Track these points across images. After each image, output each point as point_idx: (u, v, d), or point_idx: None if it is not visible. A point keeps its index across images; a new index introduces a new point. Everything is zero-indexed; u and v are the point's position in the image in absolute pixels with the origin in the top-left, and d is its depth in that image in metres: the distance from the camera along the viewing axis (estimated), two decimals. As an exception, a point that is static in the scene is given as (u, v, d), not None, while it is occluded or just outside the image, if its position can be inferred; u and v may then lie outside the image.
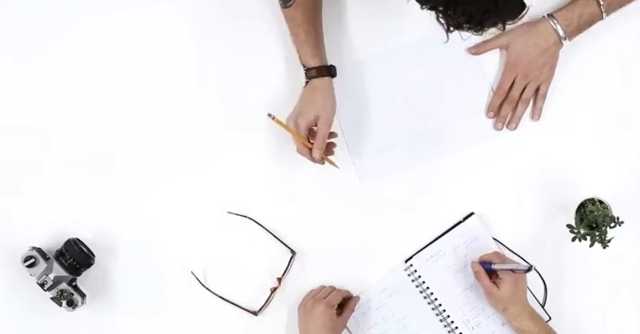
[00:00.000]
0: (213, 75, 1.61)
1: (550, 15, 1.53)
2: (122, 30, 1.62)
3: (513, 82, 1.57)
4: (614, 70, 1.60)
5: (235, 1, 1.61)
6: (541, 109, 1.59)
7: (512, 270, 1.49)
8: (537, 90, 1.58)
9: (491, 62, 1.60)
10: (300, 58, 1.53)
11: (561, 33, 1.52)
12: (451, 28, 1.15)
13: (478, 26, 1.13)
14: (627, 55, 1.60)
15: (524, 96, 1.57)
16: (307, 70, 1.51)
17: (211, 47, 1.61)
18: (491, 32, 1.16)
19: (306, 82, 1.52)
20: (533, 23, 1.54)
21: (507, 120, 1.59)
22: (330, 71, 1.52)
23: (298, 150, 1.52)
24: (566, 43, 1.54)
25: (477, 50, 1.59)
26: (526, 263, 1.47)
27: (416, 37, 1.60)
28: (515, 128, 1.59)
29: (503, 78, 1.57)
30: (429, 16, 1.55)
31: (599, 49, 1.58)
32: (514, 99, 1.57)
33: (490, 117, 1.60)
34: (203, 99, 1.61)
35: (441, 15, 1.13)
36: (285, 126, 1.49)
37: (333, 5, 1.58)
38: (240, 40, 1.61)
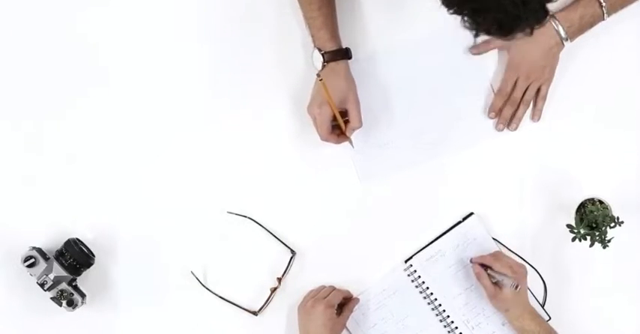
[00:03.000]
0: (214, 75, 1.61)
1: (552, 16, 1.52)
2: (126, 21, 1.61)
3: (515, 83, 1.57)
4: (614, 70, 1.60)
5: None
6: (541, 110, 1.59)
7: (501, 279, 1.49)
8: (538, 91, 1.58)
9: (492, 62, 1.60)
10: (315, 42, 1.52)
11: (563, 34, 1.52)
12: (479, 34, 1.15)
13: (508, 32, 1.13)
14: (627, 55, 1.60)
15: (526, 97, 1.57)
16: (325, 54, 1.50)
17: (212, 45, 1.61)
18: (518, 37, 1.16)
19: (323, 66, 1.51)
20: None
21: (508, 121, 1.59)
22: (347, 53, 1.53)
23: (322, 136, 1.52)
24: (567, 43, 1.54)
25: (477, 50, 1.59)
26: (513, 281, 1.47)
27: (416, 37, 1.60)
28: (516, 129, 1.59)
29: (505, 79, 1.57)
30: (432, 14, 1.58)
31: (600, 49, 1.58)
32: (516, 100, 1.57)
33: (491, 118, 1.60)
34: (203, 99, 1.61)
35: (468, 21, 1.13)
36: (329, 99, 1.47)
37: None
38: (239, 40, 1.62)
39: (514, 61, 1.56)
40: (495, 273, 1.50)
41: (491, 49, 1.58)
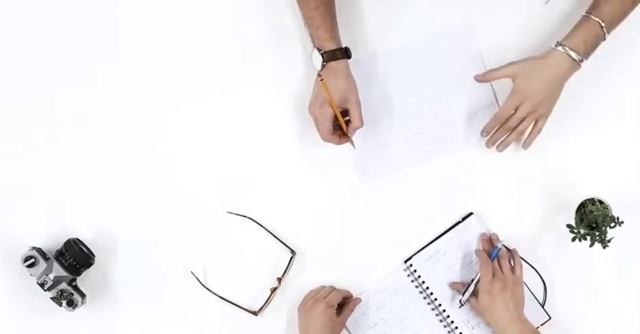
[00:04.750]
0: (214, 75, 1.61)
1: (558, 43, 1.51)
2: (125, 21, 1.62)
3: (515, 111, 1.53)
4: (614, 71, 1.60)
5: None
6: (532, 141, 1.56)
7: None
8: (535, 122, 1.55)
9: (493, 63, 1.60)
10: (314, 42, 1.52)
11: (575, 56, 1.49)
12: None
13: None
14: (627, 56, 1.60)
15: (520, 127, 1.54)
16: (324, 54, 1.50)
17: (211, 45, 1.61)
18: None
19: (323, 66, 1.50)
20: (542, 55, 1.52)
21: (498, 143, 1.58)
22: (347, 53, 1.52)
23: (324, 136, 1.52)
24: (584, 64, 1.51)
25: (483, 78, 1.57)
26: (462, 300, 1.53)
27: (416, 37, 1.60)
28: (502, 151, 1.58)
29: (505, 105, 1.54)
30: (432, 14, 1.58)
31: (598, 51, 1.58)
32: (510, 127, 1.55)
33: (483, 137, 1.58)
34: (203, 98, 1.61)
35: None
36: (330, 99, 1.47)
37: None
38: (240, 40, 1.62)
39: (518, 89, 1.52)
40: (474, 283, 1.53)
41: (498, 78, 1.55)
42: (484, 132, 1.58)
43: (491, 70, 1.56)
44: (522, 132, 1.56)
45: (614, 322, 1.57)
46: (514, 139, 1.57)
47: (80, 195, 1.59)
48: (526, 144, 1.58)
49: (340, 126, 1.53)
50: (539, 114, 1.54)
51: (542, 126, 1.55)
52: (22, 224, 1.58)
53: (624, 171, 1.59)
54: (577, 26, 1.51)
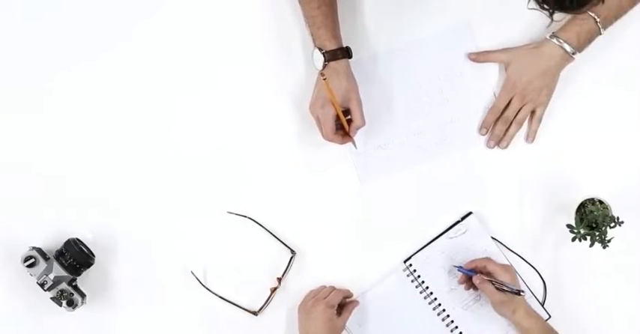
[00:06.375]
0: (214, 74, 1.61)
1: (553, 35, 1.53)
2: (124, 21, 1.62)
3: (510, 101, 1.57)
4: (614, 71, 1.59)
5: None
6: (535, 132, 1.58)
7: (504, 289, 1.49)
8: (533, 112, 1.57)
9: (494, 64, 1.60)
10: (315, 41, 1.51)
11: (569, 49, 1.51)
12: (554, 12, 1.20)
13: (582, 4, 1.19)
14: (628, 56, 1.60)
15: (519, 117, 1.56)
16: (325, 53, 1.50)
17: (212, 45, 1.61)
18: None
19: (324, 66, 1.50)
20: (536, 45, 1.54)
21: (500, 138, 1.59)
22: (347, 53, 1.52)
23: (327, 136, 1.51)
24: (577, 56, 1.53)
25: (476, 57, 1.59)
26: (515, 288, 1.49)
27: (417, 37, 1.60)
28: (507, 147, 1.59)
29: (499, 97, 1.57)
30: (434, 14, 1.58)
31: (598, 51, 1.58)
32: (508, 119, 1.57)
33: (482, 134, 1.59)
34: (203, 98, 1.61)
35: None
36: (333, 98, 1.47)
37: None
38: (240, 40, 1.62)
39: (511, 79, 1.56)
40: (497, 282, 1.49)
41: (491, 60, 1.58)
42: (483, 128, 1.58)
43: (486, 52, 1.59)
44: (521, 123, 1.57)
45: (614, 322, 1.57)
46: (515, 132, 1.57)
47: (80, 194, 1.59)
48: (530, 137, 1.58)
49: (342, 125, 1.53)
50: (535, 103, 1.55)
51: (542, 116, 1.57)
52: (22, 224, 1.58)
53: (624, 171, 1.59)
54: (572, 19, 1.52)
